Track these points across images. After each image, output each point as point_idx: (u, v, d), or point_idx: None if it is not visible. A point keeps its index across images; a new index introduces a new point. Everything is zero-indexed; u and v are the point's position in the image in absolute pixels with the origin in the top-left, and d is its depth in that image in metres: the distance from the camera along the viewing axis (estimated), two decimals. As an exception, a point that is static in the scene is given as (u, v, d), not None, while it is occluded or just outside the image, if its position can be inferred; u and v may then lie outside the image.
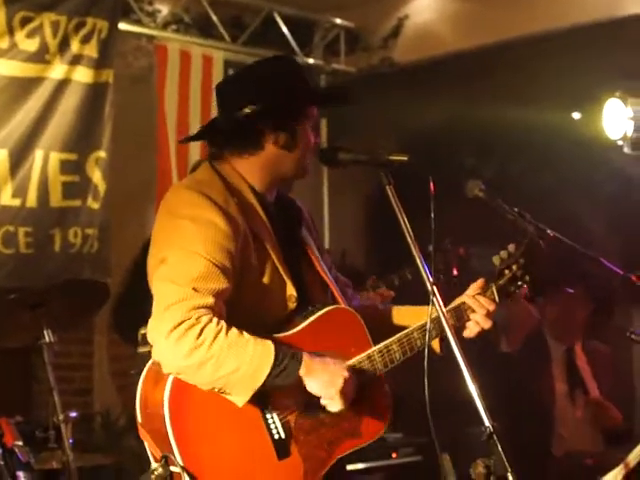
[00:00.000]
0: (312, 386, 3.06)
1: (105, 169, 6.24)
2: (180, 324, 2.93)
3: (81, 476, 4.60)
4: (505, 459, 2.67)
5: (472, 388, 2.77)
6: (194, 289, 2.96)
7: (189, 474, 2.94)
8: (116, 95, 6.31)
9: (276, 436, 3.06)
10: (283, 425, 3.08)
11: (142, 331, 3.45)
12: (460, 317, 3.35)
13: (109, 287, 5.08)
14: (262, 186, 3.28)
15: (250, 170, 3.26)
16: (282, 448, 3.07)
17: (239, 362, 2.95)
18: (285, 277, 3.21)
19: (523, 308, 6.26)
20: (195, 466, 2.97)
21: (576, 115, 7.01)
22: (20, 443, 4.45)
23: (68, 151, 6.12)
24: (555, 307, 6.27)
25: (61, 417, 4.50)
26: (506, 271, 3.43)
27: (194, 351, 2.93)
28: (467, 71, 7.40)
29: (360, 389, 3.16)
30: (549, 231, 3.53)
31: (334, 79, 8.10)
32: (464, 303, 3.38)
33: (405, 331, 3.29)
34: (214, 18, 7.42)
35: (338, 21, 8.08)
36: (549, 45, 7.07)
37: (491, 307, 3.36)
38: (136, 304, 3.56)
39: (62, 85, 6.08)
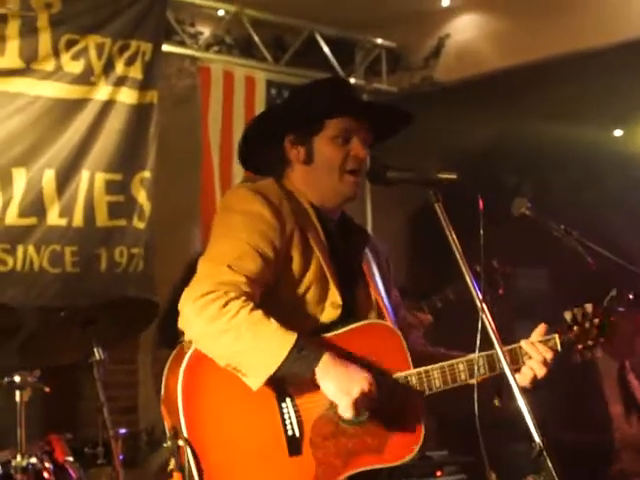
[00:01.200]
0: (327, 388, 3.02)
1: (150, 189, 6.30)
2: (208, 293, 3.01)
3: (131, 492, 4.65)
4: (555, 475, 2.66)
5: (522, 403, 2.76)
6: (228, 266, 3.06)
7: (191, 447, 2.96)
8: (160, 116, 6.36)
9: (290, 432, 3.05)
10: (299, 424, 3.07)
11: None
12: (515, 361, 3.29)
13: (158, 304, 5.11)
14: (316, 201, 3.32)
15: (301, 184, 3.32)
16: (294, 445, 3.05)
17: (259, 339, 2.98)
18: (331, 283, 3.21)
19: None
20: (199, 440, 2.98)
21: (618, 132, 7.00)
22: (71, 459, 4.51)
23: (113, 171, 6.17)
24: None
25: (111, 433, 4.53)
26: (575, 327, 3.40)
27: (216, 319, 2.99)
28: (509, 89, 7.40)
29: (394, 405, 3.14)
30: (596, 247, 3.53)
31: (376, 99, 8.12)
32: (521, 347, 3.33)
33: (450, 361, 3.25)
34: (256, 39, 7.47)
35: (379, 41, 8.11)
36: (590, 63, 7.06)
37: (549, 355, 3.31)
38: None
39: (107, 106, 6.14)
